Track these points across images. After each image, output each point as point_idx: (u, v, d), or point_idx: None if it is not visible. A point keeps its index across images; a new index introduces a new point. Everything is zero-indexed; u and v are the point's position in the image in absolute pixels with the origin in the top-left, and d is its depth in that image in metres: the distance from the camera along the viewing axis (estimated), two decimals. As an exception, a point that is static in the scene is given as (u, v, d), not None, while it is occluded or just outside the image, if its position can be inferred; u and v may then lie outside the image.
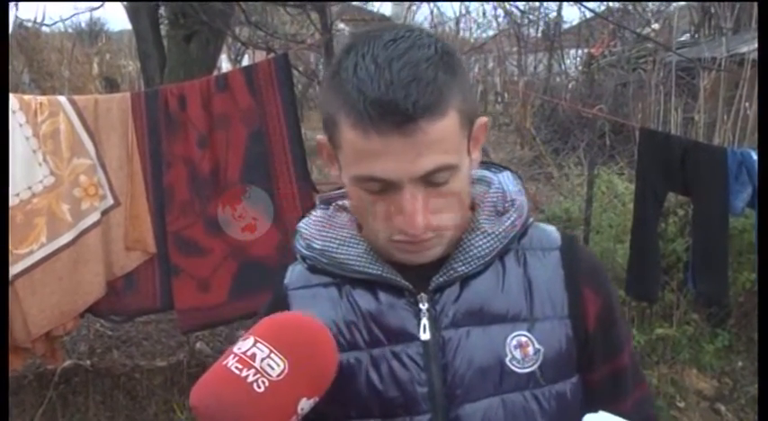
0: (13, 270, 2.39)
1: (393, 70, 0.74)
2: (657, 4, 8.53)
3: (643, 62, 6.92)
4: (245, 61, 9.12)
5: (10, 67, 6.11)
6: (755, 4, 5.66)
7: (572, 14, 20.87)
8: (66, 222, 2.47)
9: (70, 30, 11.26)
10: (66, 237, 2.48)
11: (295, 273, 0.95)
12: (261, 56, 5.85)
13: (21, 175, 2.41)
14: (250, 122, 2.62)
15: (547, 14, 9.93)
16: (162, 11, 3.85)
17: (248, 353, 0.78)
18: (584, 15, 9.02)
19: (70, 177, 2.48)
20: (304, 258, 0.93)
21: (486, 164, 0.98)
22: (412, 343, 0.86)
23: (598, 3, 8.25)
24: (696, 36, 7.59)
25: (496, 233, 0.88)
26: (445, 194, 0.81)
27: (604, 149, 6.38)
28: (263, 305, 0.96)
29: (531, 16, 9.48)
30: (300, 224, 0.96)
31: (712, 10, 7.19)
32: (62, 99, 2.52)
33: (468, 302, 0.87)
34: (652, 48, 6.25)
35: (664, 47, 5.37)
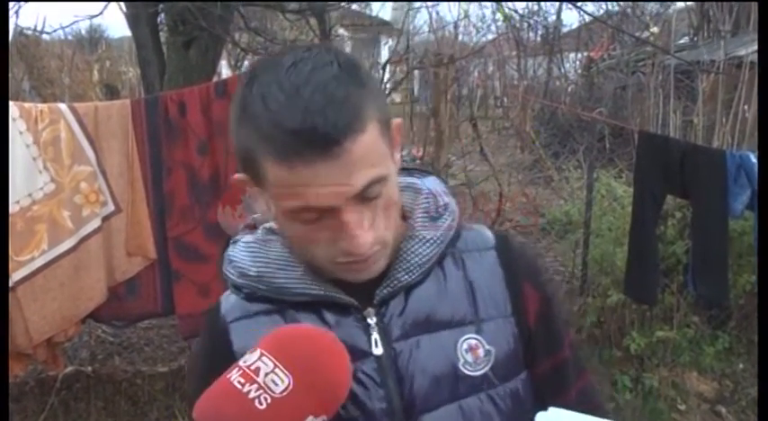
0: (15, 277, 2.40)
1: (304, 96, 0.72)
2: (656, 7, 8.55)
3: (642, 65, 6.93)
4: (245, 67, 9.13)
5: (10, 75, 6.13)
6: (754, 6, 5.68)
7: (571, 18, 20.97)
8: (68, 229, 2.49)
9: (70, 37, 11.29)
10: (68, 244, 2.49)
11: (230, 304, 0.90)
12: (260, 61, 5.83)
13: (21, 183, 2.42)
14: (249, 128, 2.63)
15: (546, 18, 9.99)
16: (161, 17, 3.86)
17: (252, 368, 0.75)
18: (584, 19, 9.06)
19: (71, 184, 2.49)
20: (239, 287, 0.89)
21: (409, 170, 0.97)
22: (366, 359, 0.84)
23: (597, 6, 8.27)
24: (695, 39, 7.60)
25: (434, 238, 0.88)
26: (381, 206, 0.80)
27: (604, 152, 6.40)
28: (195, 344, 0.92)
29: (529, 20, 9.50)
30: (229, 251, 0.92)
31: (711, 13, 7.21)
32: (62, 106, 2.53)
33: (415, 312, 0.87)
34: (651, 51, 6.26)
35: (662, 50, 5.37)
